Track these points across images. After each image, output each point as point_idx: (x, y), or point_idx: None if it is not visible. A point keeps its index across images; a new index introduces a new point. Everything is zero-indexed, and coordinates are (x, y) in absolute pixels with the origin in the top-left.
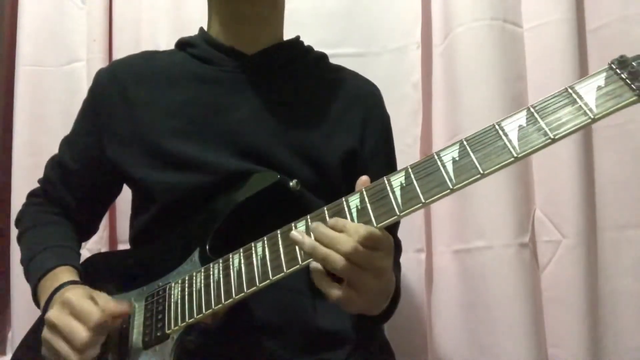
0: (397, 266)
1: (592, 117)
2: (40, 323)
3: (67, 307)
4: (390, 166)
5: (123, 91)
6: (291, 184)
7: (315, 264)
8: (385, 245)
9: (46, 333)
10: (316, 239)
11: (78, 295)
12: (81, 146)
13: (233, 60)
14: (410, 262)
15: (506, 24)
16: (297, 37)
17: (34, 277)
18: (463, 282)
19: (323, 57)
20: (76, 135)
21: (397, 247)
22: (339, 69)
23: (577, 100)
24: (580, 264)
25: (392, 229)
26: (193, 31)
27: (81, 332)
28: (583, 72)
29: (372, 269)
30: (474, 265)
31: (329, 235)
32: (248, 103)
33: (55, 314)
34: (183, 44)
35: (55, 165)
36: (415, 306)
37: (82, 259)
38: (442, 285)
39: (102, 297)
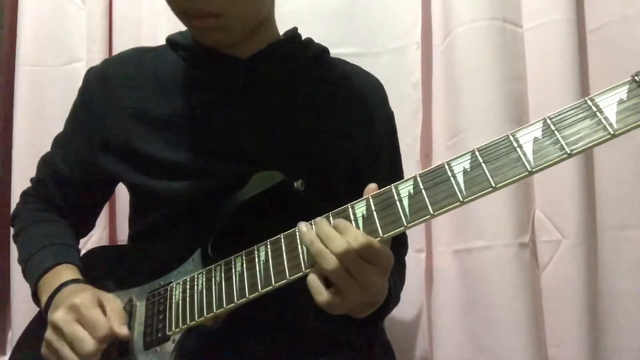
0: (401, 266)
1: (612, 132)
2: (38, 321)
3: (74, 312)
4: (394, 166)
5: (114, 98)
6: (295, 184)
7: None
8: (382, 261)
9: (50, 335)
10: (316, 233)
11: (87, 301)
12: (73, 151)
13: (226, 66)
14: (410, 262)
15: (506, 24)
16: (294, 30)
17: (33, 276)
18: (463, 282)
19: (323, 51)
20: (68, 138)
21: (403, 245)
22: (340, 64)
23: (597, 113)
24: (580, 264)
25: None
26: None
27: (88, 342)
28: (583, 72)
29: (362, 281)
30: (474, 265)
31: (328, 232)
32: (244, 110)
33: (62, 317)
34: (173, 44)
35: (47, 166)
36: (415, 306)
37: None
38: (442, 285)
39: (111, 304)
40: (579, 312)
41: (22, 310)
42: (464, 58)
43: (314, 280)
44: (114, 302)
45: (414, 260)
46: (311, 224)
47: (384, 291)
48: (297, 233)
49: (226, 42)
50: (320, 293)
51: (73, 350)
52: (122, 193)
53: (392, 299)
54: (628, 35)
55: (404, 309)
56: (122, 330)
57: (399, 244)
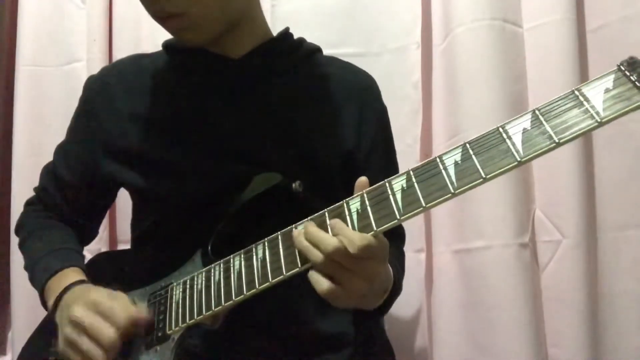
0: (401, 256)
1: (599, 120)
2: (46, 324)
3: (93, 306)
4: (389, 161)
5: (113, 103)
6: (294, 185)
7: None
8: (379, 252)
9: (70, 331)
10: (305, 238)
11: (104, 295)
12: (75, 159)
13: (219, 67)
14: (410, 262)
15: (506, 24)
16: (286, 30)
17: (41, 280)
18: (463, 282)
19: (315, 50)
20: (70, 147)
21: (400, 237)
22: (332, 62)
23: (584, 102)
24: (580, 264)
25: None
26: None
27: (109, 331)
28: (583, 72)
29: (363, 274)
30: (474, 265)
31: (314, 235)
32: (239, 109)
33: (81, 312)
34: (168, 49)
35: (50, 174)
36: (415, 306)
37: (84, 260)
38: (442, 285)
39: (121, 299)
40: (579, 312)
41: (22, 311)
42: (464, 58)
43: (313, 273)
44: (123, 297)
45: (414, 260)
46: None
47: (390, 277)
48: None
49: (199, 42)
50: (319, 283)
51: (96, 342)
52: (122, 194)
53: (397, 287)
54: (628, 35)
55: (404, 309)
56: (141, 311)
57: (396, 236)
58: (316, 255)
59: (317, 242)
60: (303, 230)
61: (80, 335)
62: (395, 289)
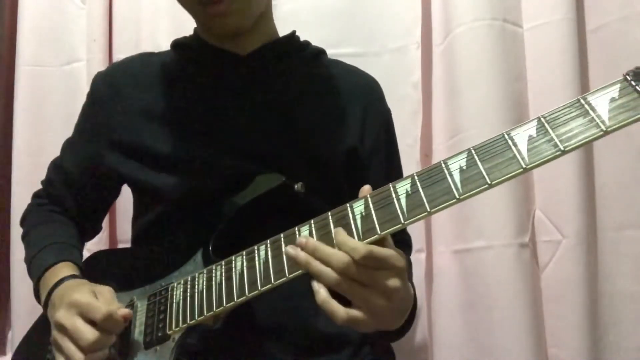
0: (410, 267)
1: (604, 129)
2: (40, 321)
3: (75, 307)
4: (392, 162)
5: (120, 99)
6: (296, 186)
7: (316, 287)
8: (392, 264)
9: (55, 334)
10: (310, 254)
11: (85, 292)
12: (81, 153)
13: (227, 63)
14: None
15: (506, 24)
16: (293, 32)
17: (36, 274)
18: (463, 282)
19: (320, 52)
20: (77, 141)
21: (407, 245)
22: (336, 64)
23: (590, 111)
24: (580, 264)
25: None
26: (192, 31)
27: (89, 334)
28: (583, 72)
29: (378, 288)
30: (474, 265)
31: (323, 251)
32: (245, 105)
33: (63, 314)
34: (177, 46)
35: (57, 167)
36: None
37: (83, 258)
38: (442, 285)
39: (105, 295)
40: (579, 312)
41: (22, 310)
42: (464, 58)
43: (326, 304)
44: (107, 293)
45: (414, 260)
46: (310, 226)
47: (410, 295)
48: (288, 256)
49: (238, 27)
50: (337, 313)
51: (76, 344)
52: (122, 196)
53: (415, 295)
54: (628, 35)
55: None
56: (121, 311)
57: (404, 245)
58: (331, 277)
59: (326, 260)
60: (309, 246)
61: (63, 338)
62: (414, 309)
